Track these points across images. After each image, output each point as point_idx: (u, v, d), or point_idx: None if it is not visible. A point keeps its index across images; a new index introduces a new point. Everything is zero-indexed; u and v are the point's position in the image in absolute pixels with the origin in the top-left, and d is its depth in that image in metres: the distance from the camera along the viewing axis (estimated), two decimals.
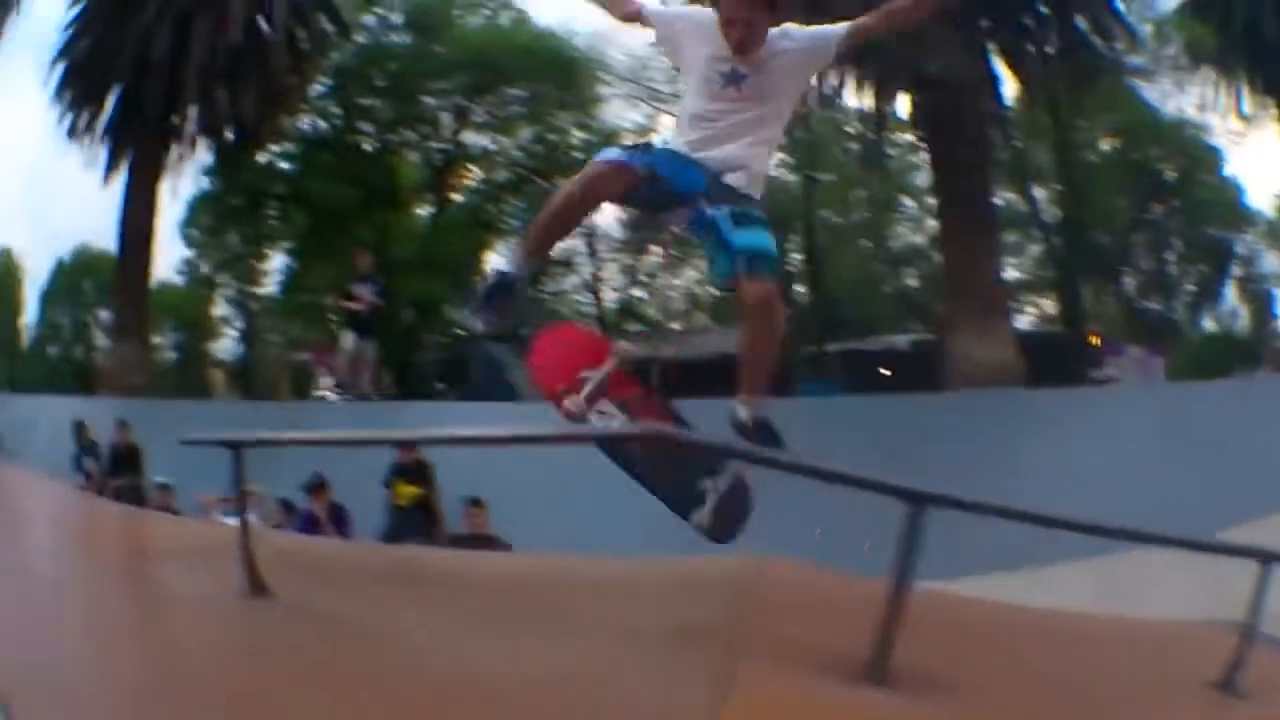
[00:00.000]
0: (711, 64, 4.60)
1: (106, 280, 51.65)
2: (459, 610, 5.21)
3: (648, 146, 4.88)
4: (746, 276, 4.46)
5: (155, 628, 5.39)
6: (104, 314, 50.98)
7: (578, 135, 36.30)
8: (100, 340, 52.37)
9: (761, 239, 4.60)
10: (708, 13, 4.59)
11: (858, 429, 16.40)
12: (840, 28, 4.62)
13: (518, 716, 3.69)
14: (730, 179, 4.65)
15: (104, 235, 45.60)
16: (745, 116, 4.63)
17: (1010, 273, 30.76)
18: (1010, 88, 28.17)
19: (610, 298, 37.50)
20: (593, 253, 36.70)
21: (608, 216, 35.41)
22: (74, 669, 4.40)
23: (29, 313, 55.79)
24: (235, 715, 3.74)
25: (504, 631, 4.53)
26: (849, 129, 32.62)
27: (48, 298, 54.24)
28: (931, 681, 3.64)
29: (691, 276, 36.25)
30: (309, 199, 35.93)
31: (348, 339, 18.69)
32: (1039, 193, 33.69)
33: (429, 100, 36.14)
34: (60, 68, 28.99)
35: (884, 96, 28.39)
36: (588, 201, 4.90)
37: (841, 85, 28.17)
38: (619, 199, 4.87)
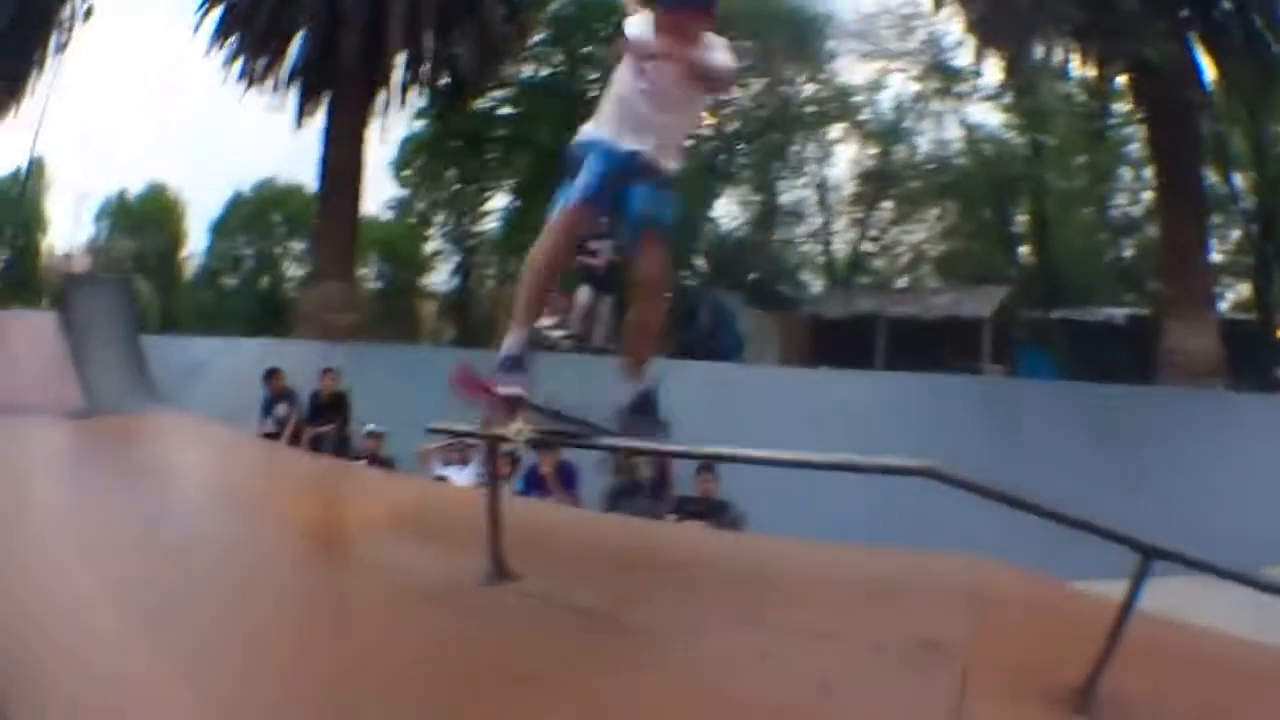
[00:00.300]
0: (634, 79, 5.15)
1: (298, 215, 53.48)
2: (704, 602, 5.31)
3: (589, 145, 5.31)
4: (644, 243, 5.11)
5: (394, 612, 5.49)
6: (299, 247, 52.71)
7: (808, 89, 36.44)
8: (292, 272, 54.06)
9: (664, 211, 5.22)
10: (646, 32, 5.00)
11: (1076, 416, 16.35)
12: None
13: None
14: (651, 160, 5.18)
15: (279, 170, 47.02)
16: (661, 121, 5.17)
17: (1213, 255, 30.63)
18: (1210, 76, 28.45)
19: (839, 250, 37.01)
20: (824, 204, 36.77)
21: (839, 169, 35.98)
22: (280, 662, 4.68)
23: (192, 247, 58.31)
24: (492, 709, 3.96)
25: (748, 628, 4.73)
26: (1072, 96, 32.36)
27: (219, 230, 56.22)
28: (1132, 712, 3.87)
29: (921, 233, 36.38)
30: (533, 142, 36.62)
31: (583, 292, 18.74)
32: (1238, 179, 33.17)
33: None
34: (219, 11, 29.98)
35: (1104, 74, 28.76)
36: (568, 251, 5.45)
37: (1067, 57, 28.36)
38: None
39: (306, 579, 6.52)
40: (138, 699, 4.09)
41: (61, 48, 32.41)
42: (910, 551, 6.65)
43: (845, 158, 36.65)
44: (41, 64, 34.97)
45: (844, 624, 4.76)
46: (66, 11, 34.18)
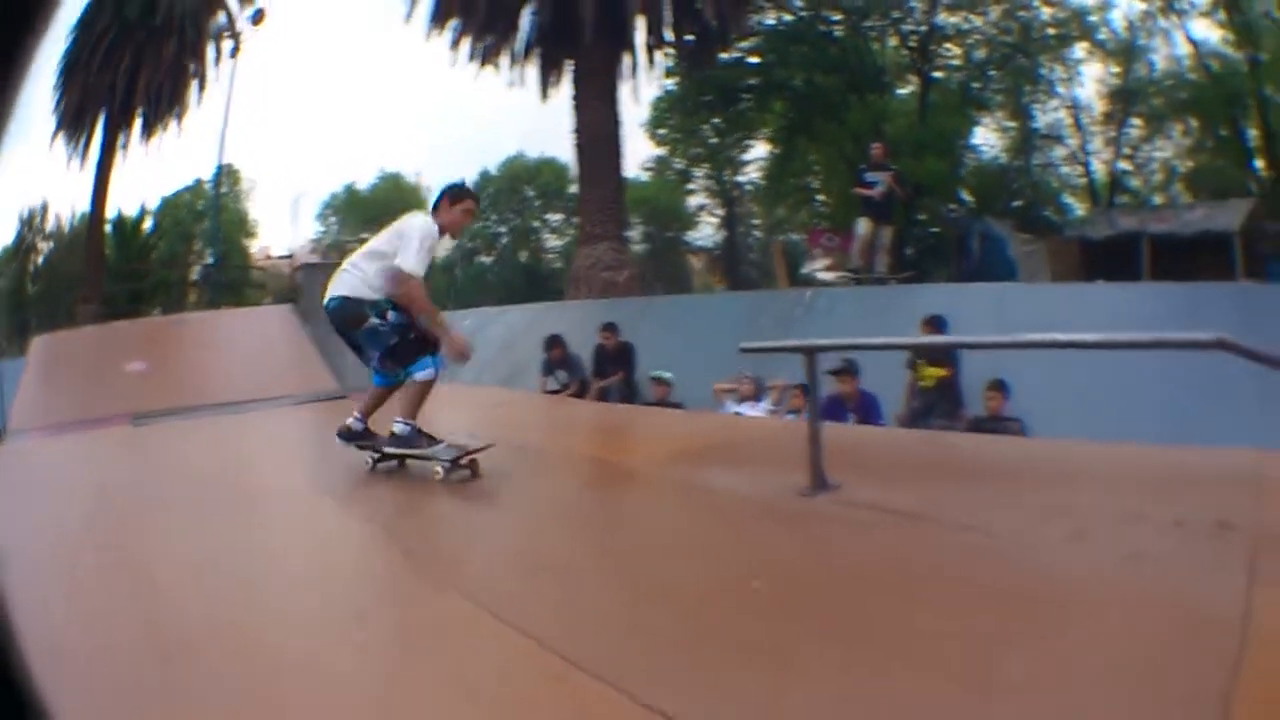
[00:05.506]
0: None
1: (551, 186, 54.84)
2: (1014, 499, 5.65)
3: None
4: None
5: (728, 525, 5.77)
6: (556, 219, 54.09)
7: (1046, 12, 35.73)
8: (552, 244, 55.59)
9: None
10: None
11: None
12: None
13: (1093, 596, 4.13)
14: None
15: (524, 145, 48.09)
16: None
17: None
18: None
19: (1097, 170, 36.83)
20: (1078, 125, 36.38)
21: (1090, 90, 35.83)
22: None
23: None
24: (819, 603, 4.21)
25: (1062, 518, 5.05)
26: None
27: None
28: None
29: (1171, 149, 36.12)
30: (789, 89, 36.94)
31: (862, 224, 18.73)
32: None
33: None
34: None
35: None
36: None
37: None
38: None
39: (643, 507, 6.72)
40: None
41: (233, 54, 33.20)
42: (1203, 448, 6.98)
43: (1090, 77, 36.24)
44: (201, 76, 35.61)
45: (1148, 509, 5.11)
46: (222, 19, 35.25)
